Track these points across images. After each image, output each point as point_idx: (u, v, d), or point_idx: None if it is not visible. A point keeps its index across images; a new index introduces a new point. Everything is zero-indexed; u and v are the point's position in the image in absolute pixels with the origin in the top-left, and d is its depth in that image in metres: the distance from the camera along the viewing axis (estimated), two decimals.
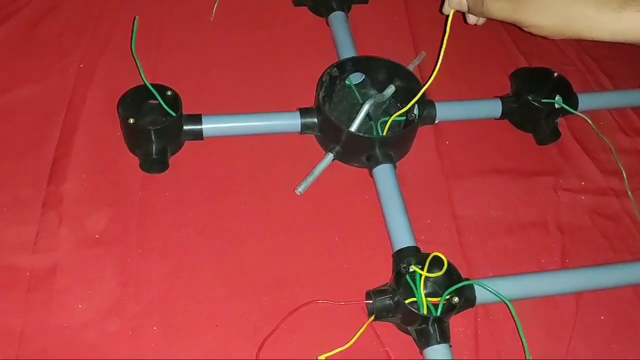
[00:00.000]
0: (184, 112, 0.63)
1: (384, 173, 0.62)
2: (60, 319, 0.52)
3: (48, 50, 0.72)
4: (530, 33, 0.53)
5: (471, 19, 0.59)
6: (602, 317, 0.58)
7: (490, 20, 0.84)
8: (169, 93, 0.62)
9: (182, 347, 0.52)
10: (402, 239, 0.57)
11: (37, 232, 0.57)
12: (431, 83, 0.59)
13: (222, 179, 0.63)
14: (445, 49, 0.56)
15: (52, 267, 0.55)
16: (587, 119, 0.70)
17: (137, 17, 0.63)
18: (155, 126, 0.61)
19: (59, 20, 0.75)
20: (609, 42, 0.49)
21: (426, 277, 0.54)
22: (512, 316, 0.53)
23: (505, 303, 0.53)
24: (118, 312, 0.53)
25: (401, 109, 0.67)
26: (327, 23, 0.78)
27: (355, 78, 0.70)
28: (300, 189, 0.62)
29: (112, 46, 0.73)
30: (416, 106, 0.65)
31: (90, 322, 0.52)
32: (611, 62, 0.81)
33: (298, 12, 0.81)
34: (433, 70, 0.58)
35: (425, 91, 0.61)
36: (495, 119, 0.71)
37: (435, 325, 0.51)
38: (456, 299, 0.52)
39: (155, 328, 0.53)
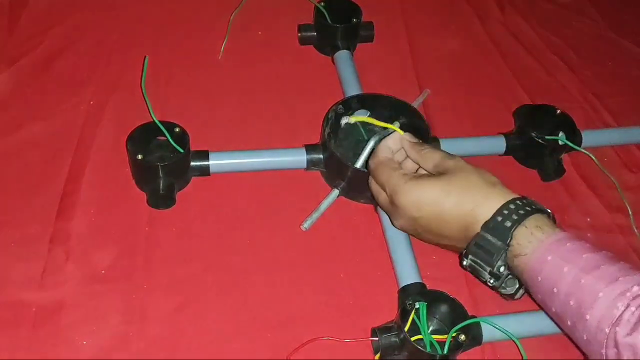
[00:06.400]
0: (192, 148, 0.63)
1: None
2: (65, 355, 0.52)
3: (60, 88, 0.73)
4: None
5: None
6: None
7: (493, 56, 0.85)
8: (177, 130, 0.63)
9: None
10: (408, 275, 0.57)
11: (44, 268, 0.57)
12: None
13: (228, 215, 0.64)
14: None
15: (58, 303, 0.55)
16: (591, 155, 0.70)
17: (147, 56, 0.65)
18: (162, 162, 0.61)
19: (71, 60, 0.76)
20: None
21: (432, 314, 0.54)
22: (520, 354, 0.52)
23: (514, 341, 0.52)
24: (123, 349, 0.53)
25: None
26: (333, 61, 0.79)
27: (361, 115, 0.70)
28: (306, 225, 0.62)
29: (122, 84, 0.74)
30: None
31: (95, 358, 0.52)
32: (614, 100, 0.82)
33: (304, 51, 0.82)
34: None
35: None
36: (500, 155, 0.72)
37: None
38: (463, 337, 0.51)
39: None
